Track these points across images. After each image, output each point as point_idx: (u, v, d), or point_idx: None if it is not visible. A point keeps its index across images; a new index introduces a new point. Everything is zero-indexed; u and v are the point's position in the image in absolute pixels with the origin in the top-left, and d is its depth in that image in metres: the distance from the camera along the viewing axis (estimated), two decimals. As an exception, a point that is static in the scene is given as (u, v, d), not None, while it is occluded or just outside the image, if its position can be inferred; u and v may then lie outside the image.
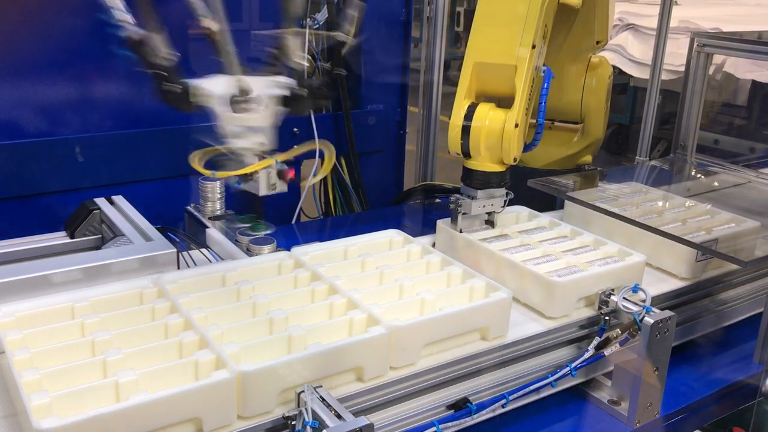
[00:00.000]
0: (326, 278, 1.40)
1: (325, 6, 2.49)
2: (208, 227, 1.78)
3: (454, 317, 1.31)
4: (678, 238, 1.60)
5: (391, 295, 1.40)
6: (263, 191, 1.49)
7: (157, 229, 1.64)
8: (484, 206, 1.66)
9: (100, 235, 1.73)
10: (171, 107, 1.40)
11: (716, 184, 2.18)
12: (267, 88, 1.45)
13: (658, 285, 1.62)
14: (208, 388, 1.08)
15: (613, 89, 6.74)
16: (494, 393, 1.36)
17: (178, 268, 1.53)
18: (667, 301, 1.60)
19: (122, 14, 1.32)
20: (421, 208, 2.70)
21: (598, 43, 2.14)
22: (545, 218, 1.77)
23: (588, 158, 2.21)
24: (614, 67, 5.72)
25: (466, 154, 1.64)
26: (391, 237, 1.63)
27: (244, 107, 1.39)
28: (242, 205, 1.68)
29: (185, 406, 1.07)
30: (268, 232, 1.62)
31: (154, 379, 1.10)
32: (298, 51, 1.39)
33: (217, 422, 1.10)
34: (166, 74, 1.37)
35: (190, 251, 1.65)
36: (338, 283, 1.38)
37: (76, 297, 1.29)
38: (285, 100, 1.43)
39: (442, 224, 1.70)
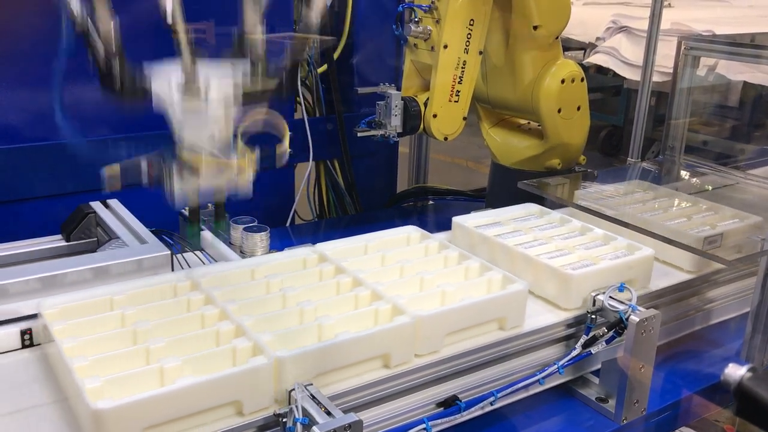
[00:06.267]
0: (350, 271, 1.47)
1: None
2: (202, 230, 1.80)
3: (474, 307, 1.38)
4: (664, 237, 1.65)
5: (412, 287, 1.46)
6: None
7: (152, 232, 1.66)
8: None
9: (96, 239, 1.75)
10: (116, 98, 1.32)
11: (704, 185, 2.20)
12: (218, 73, 1.33)
13: (664, 278, 1.69)
14: (248, 372, 1.14)
15: (607, 91, 6.68)
16: (483, 391, 1.38)
17: (173, 270, 1.55)
18: (674, 293, 1.66)
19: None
20: (414, 210, 2.73)
21: (535, 28, 2.07)
22: (556, 215, 1.83)
23: (555, 161, 2.20)
24: (608, 69, 5.76)
25: None
26: (409, 233, 1.70)
27: (191, 96, 1.30)
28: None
29: (227, 390, 1.13)
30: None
31: (195, 365, 1.16)
32: (257, 27, 1.30)
33: (255, 405, 1.16)
34: (109, 55, 1.28)
35: (184, 254, 1.67)
36: (362, 276, 1.45)
37: (114, 290, 1.36)
38: (239, 88, 1.33)
39: (458, 220, 1.77)
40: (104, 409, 1.03)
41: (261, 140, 1.43)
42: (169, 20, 1.30)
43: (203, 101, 1.31)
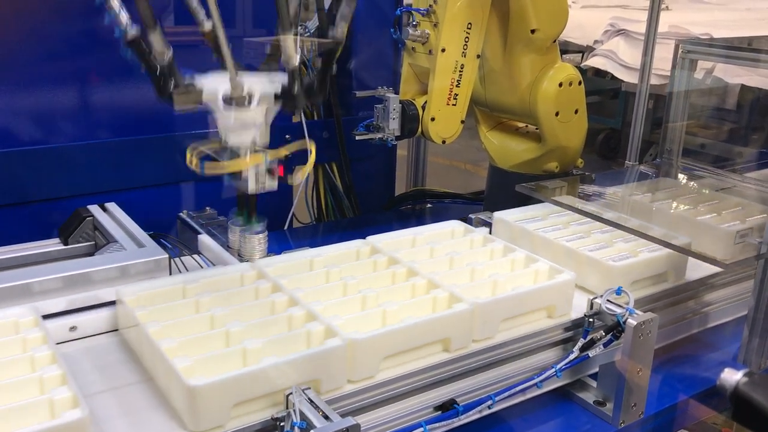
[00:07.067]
0: (404, 262, 1.55)
1: (316, 13, 2.52)
2: (200, 233, 1.80)
3: (527, 296, 1.47)
4: (654, 238, 1.67)
5: (463, 277, 1.54)
6: (252, 188, 1.53)
7: (150, 235, 1.66)
8: None
9: (94, 242, 1.75)
10: (169, 104, 1.44)
11: (702, 188, 2.21)
12: (259, 85, 1.50)
13: (698, 270, 1.75)
14: (326, 352, 1.23)
15: (605, 94, 6.68)
16: (481, 394, 1.38)
17: (170, 274, 1.55)
18: (672, 296, 1.69)
19: (119, 13, 1.37)
20: (413, 213, 2.73)
21: (533, 32, 2.06)
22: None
23: (553, 164, 2.21)
24: (606, 72, 5.76)
25: None
26: (453, 227, 1.79)
27: (237, 104, 1.46)
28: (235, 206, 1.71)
29: (307, 369, 1.21)
30: (261, 229, 1.65)
31: (273, 347, 1.23)
32: (292, 51, 1.43)
33: (331, 384, 1.24)
34: (164, 71, 1.42)
35: (182, 257, 1.67)
36: (415, 266, 1.53)
37: (186, 279, 1.46)
38: (278, 97, 1.49)
39: (499, 215, 1.84)
40: (199, 386, 1.10)
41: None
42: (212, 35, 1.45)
43: (247, 109, 1.46)
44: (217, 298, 1.40)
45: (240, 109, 1.47)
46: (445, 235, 1.76)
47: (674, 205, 1.96)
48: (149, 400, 1.24)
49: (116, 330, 1.45)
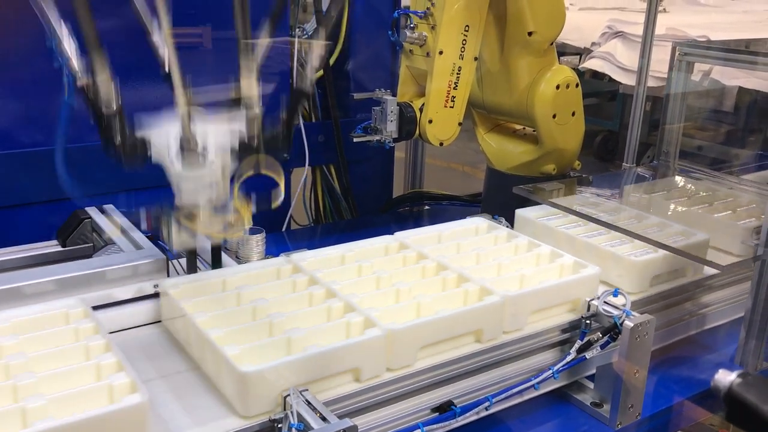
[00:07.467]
0: (433, 257, 1.59)
1: (314, 15, 2.52)
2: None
3: (553, 290, 1.51)
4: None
5: (490, 271, 1.58)
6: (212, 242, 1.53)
7: (147, 237, 1.66)
8: None
9: (92, 244, 1.75)
10: (117, 161, 1.34)
11: (698, 190, 2.21)
12: (215, 137, 1.34)
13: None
14: (366, 342, 1.27)
15: (602, 96, 6.67)
16: (478, 396, 1.39)
17: (168, 275, 1.55)
18: (668, 298, 1.70)
19: (72, 59, 1.28)
20: (410, 215, 2.73)
21: (530, 34, 2.07)
22: (611, 204, 1.94)
23: (550, 167, 2.21)
24: (603, 74, 5.77)
25: None
26: (477, 224, 1.83)
27: (191, 161, 1.31)
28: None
29: (350, 357, 1.26)
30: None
31: (315, 337, 1.28)
32: (253, 94, 1.31)
33: (371, 372, 1.28)
34: (111, 122, 1.31)
35: (179, 259, 1.67)
36: (444, 261, 1.57)
37: (225, 272, 1.51)
38: (236, 151, 1.34)
39: (521, 213, 1.87)
40: (250, 372, 1.15)
41: (258, 183, 1.41)
42: (167, 70, 1.30)
43: (202, 168, 1.32)
44: (257, 290, 1.44)
45: (194, 168, 1.31)
46: (470, 231, 1.80)
47: (672, 205, 1.97)
48: (198, 387, 1.28)
49: (117, 331, 1.46)
